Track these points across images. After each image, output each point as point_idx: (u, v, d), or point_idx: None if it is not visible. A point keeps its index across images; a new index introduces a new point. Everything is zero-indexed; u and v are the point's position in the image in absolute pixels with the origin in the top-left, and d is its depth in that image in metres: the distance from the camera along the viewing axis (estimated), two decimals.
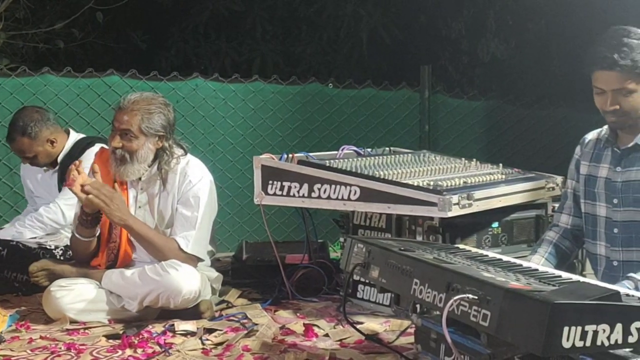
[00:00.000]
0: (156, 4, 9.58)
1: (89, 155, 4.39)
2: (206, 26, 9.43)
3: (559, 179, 4.33)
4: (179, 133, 5.03)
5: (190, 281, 3.81)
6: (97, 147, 4.43)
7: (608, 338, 2.11)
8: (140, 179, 3.99)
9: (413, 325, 3.09)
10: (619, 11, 7.40)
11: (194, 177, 4.00)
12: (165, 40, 9.56)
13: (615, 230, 3.24)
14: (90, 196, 3.76)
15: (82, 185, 3.77)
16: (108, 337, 3.60)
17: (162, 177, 3.98)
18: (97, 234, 3.97)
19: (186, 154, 4.08)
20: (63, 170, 4.61)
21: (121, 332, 3.65)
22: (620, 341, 2.13)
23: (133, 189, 4.02)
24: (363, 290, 4.20)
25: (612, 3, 7.75)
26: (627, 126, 3.22)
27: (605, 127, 3.34)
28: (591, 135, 3.46)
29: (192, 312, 3.87)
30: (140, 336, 3.58)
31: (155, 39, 9.57)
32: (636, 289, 2.83)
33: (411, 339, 3.19)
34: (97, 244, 4.00)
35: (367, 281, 4.03)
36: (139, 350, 3.41)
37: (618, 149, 3.26)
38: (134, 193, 4.01)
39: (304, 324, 3.78)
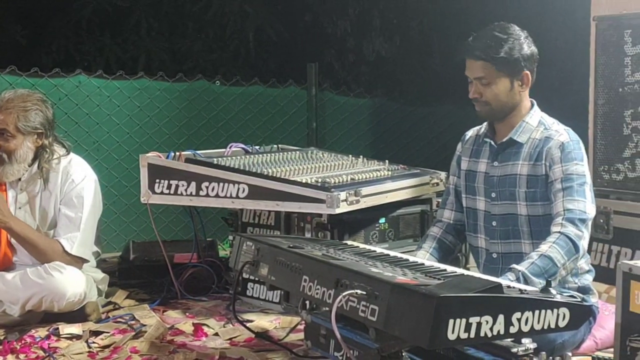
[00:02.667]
0: None
1: None
2: (89, 22, 9.21)
3: (443, 174, 4.44)
4: (62, 131, 4.91)
5: (75, 283, 3.73)
6: None
7: (491, 329, 2.18)
8: (20, 178, 3.87)
9: (303, 322, 3.11)
10: (499, 9, 7.64)
11: (77, 176, 3.92)
12: (47, 35, 9.28)
13: (494, 224, 3.34)
14: None
15: None
16: None
17: (43, 177, 3.87)
18: None
19: (68, 152, 3.98)
20: None
21: (2, 337, 3.54)
22: (502, 332, 2.20)
23: (12, 189, 3.90)
24: (253, 288, 4.20)
25: (491, 3, 7.99)
26: (495, 118, 3.33)
27: (485, 123, 3.44)
28: (471, 132, 3.57)
29: (77, 314, 3.79)
30: (23, 341, 3.49)
31: (36, 34, 9.27)
32: (518, 280, 2.92)
33: (301, 335, 3.21)
34: None
35: (256, 279, 4.03)
36: (22, 356, 3.31)
37: (495, 143, 3.36)
38: (13, 193, 3.89)
39: (193, 324, 3.76)
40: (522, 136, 3.28)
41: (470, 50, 3.24)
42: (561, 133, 3.25)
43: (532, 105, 3.34)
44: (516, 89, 3.25)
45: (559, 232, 3.08)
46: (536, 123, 3.30)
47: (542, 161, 3.22)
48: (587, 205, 3.14)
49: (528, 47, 3.24)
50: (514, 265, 3.00)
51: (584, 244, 3.11)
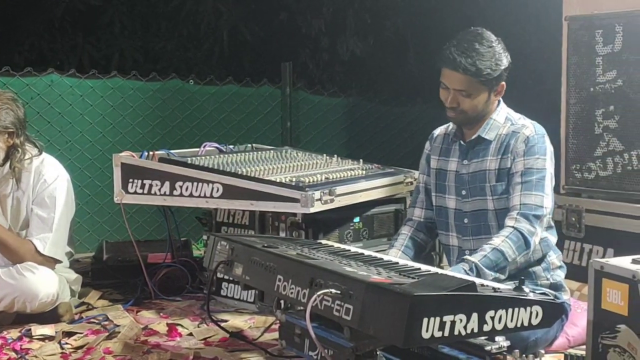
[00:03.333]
0: None
1: None
2: (62, 20, 9.14)
3: (417, 173, 4.44)
4: (34, 131, 4.87)
5: (48, 284, 3.71)
6: None
7: (465, 327, 2.19)
8: None
9: (277, 322, 3.11)
10: (473, 10, 7.68)
11: (49, 176, 3.89)
12: (19, 34, 9.20)
13: (466, 221, 3.37)
14: None
15: None
16: None
17: (15, 177, 3.84)
18: None
19: (40, 152, 3.95)
20: None
21: None
22: (476, 330, 2.22)
23: None
24: (227, 288, 4.20)
25: (464, 2, 8.03)
26: (468, 124, 3.36)
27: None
28: (439, 131, 3.58)
29: (50, 315, 3.76)
30: None
31: (7, 33, 9.19)
32: (471, 270, 2.99)
33: (276, 335, 3.21)
34: None
35: (231, 279, 4.02)
36: None
37: (464, 142, 3.38)
38: None
39: (167, 324, 3.75)
40: (490, 133, 3.32)
41: (452, 62, 3.21)
42: (527, 126, 3.29)
43: (499, 102, 3.37)
44: (492, 99, 3.30)
45: (513, 226, 3.13)
46: (503, 119, 3.34)
47: (508, 154, 3.26)
48: (544, 199, 3.18)
49: (506, 59, 3.26)
50: (467, 257, 3.06)
51: (535, 240, 3.16)
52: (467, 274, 2.94)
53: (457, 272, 2.91)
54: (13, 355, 3.33)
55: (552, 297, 2.53)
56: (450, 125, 3.50)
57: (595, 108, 4.15)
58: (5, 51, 8.93)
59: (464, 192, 3.36)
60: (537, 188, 3.18)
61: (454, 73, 3.23)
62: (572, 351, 3.13)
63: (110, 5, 9.11)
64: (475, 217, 3.34)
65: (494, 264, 3.05)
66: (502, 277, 3.07)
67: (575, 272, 3.84)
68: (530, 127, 3.28)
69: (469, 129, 3.38)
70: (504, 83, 3.29)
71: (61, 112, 5.75)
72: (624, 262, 2.57)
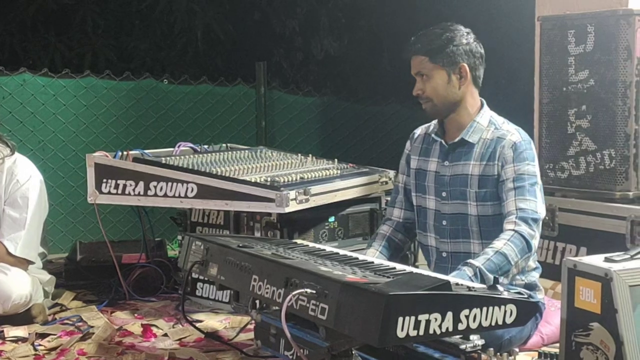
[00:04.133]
0: None
1: None
2: (34, 19, 9.07)
3: (392, 173, 4.47)
4: (5, 130, 4.82)
5: (20, 285, 3.68)
6: None
7: (440, 326, 2.20)
8: None
9: (253, 322, 3.11)
10: (447, 9, 7.71)
11: (22, 176, 3.86)
12: None
13: (444, 223, 3.35)
14: None
15: None
16: None
17: None
18: None
19: (13, 152, 3.92)
20: None
21: None
22: (451, 329, 2.23)
23: None
24: (202, 288, 4.19)
25: (439, 3, 8.07)
26: (440, 115, 3.34)
27: (434, 122, 3.46)
28: (420, 130, 3.57)
29: (23, 317, 3.74)
30: None
31: None
32: (475, 275, 2.94)
33: (251, 335, 3.21)
34: None
35: (206, 279, 4.01)
36: None
37: (446, 143, 3.37)
38: None
39: (142, 325, 3.73)
40: (473, 136, 3.30)
41: (410, 47, 3.29)
42: (512, 133, 3.27)
43: (482, 105, 3.36)
44: (455, 82, 3.26)
45: (513, 230, 3.10)
46: (486, 123, 3.32)
47: (494, 161, 3.24)
48: (537, 205, 3.18)
49: (466, 41, 3.26)
50: (471, 261, 3.01)
51: (535, 243, 3.14)
52: (471, 279, 2.90)
53: (461, 277, 2.86)
54: None
55: (526, 296, 2.54)
56: (432, 125, 3.48)
57: (568, 107, 4.18)
58: None
59: (443, 194, 3.34)
60: (530, 193, 3.17)
61: (412, 58, 3.28)
62: (546, 349, 3.15)
63: (83, 4, 9.05)
64: (453, 219, 3.33)
65: (497, 267, 3.00)
66: (506, 281, 3.06)
67: (549, 271, 3.86)
68: (516, 134, 3.27)
69: (448, 124, 3.35)
70: (465, 65, 3.25)
71: (34, 112, 5.71)
72: (597, 260, 2.60)
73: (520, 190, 3.17)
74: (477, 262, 2.99)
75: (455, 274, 2.94)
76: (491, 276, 2.93)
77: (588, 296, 2.55)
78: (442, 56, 3.23)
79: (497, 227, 3.23)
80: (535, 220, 3.14)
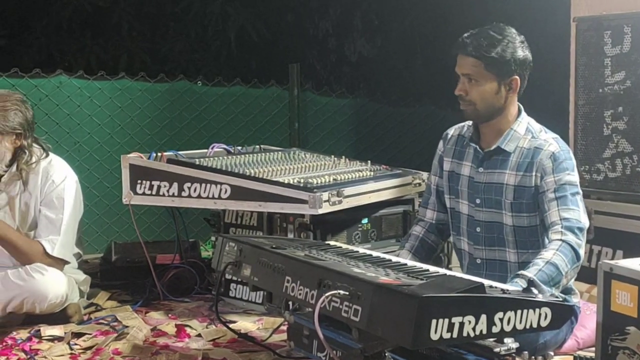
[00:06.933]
0: None
1: None
2: (70, 22, 9.17)
3: (425, 175, 4.45)
4: (42, 132, 4.88)
5: (57, 285, 3.71)
6: None
7: (473, 329, 2.19)
8: None
9: (286, 323, 3.11)
10: (480, 11, 7.67)
11: (57, 177, 3.90)
12: (27, 36, 9.24)
13: (478, 229, 3.30)
14: None
15: None
16: None
17: (22, 178, 3.85)
18: None
19: (48, 154, 3.95)
20: None
21: None
22: (484, 331, 2.21)
23: None
24: (235, 289, 4.20)
25: (472, 4, 8.02)
26: (479, 119, 3.26)
27: (468, 123, 3.39)
28: (453, 131, 3.49)
29: (59, 316, 3.77)
30: (4, 343, 3.47)
31: (16, 35, 9.23)
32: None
33: (284, 336, 3.21)
34: None
35: (239, 280, 4.02)
36: (3, 358, 3.29)
37: (481, 150, 3.30)
38: None
39: (176, 325, 3.75)
40: (510, 145, 3.23)
41: (462, 46, 3.17)
42: (550, 143, 3.20)
43: (520, 112, 3.28)
44: (503, 93, 3.18)
45: (561, 239, 3.03)
46: (524, 131, 3.25)
47: (532, 172, 3.17)
48: (581, 215, 3.11)
49: (522, 52, 3.17)
50: (523, 272, 2.92)
51: (582, 252, 3.07)
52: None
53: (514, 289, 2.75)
54: (22, 355, 3.34)
55: (561, 299, 2.51)
56: (465, 126, 3.42)
57: (604, 109, 4.13)
58: (14, 52, 8.97)
59: (477, 201, 3.29)
60: (573, 203, 3.11)
61: (462, 57, 3.18)
62: (582, 353, 3.12)
63: (118, 6, 9.14)
64: (488, 227, 3.27)
65: (549, 278, 2.93)
66: (557, 293, 2.97)
67: (585, 274, 3.81)
68: (554, 144, 3.20)
69: (484, 129, 3.28)
70: (517, 78, 3.17)
71: (69, 113, 5.77)
72: (634, 263, 2.56)
73: (562, 200, 3.11)
74: (529, 273, 2.90)
75: (508, 285, 2.81)
76: (545, 287, 2.85)
77: (624, 300, 2.52)
78: (498, 67, 3.14)
79: (533, 237, 3.20)
80: (581, 230, 3.08)
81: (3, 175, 3.84)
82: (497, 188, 3.24)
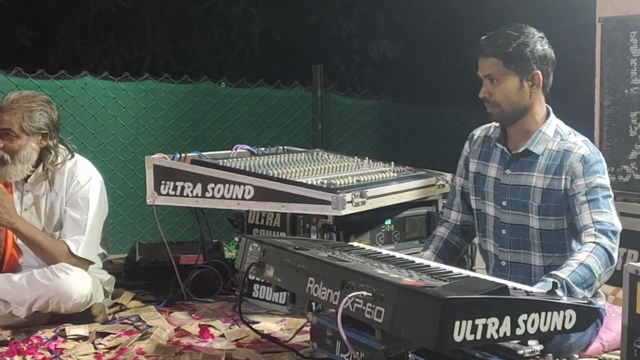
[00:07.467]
0: (41, 0, 9.33)
1: None
2: (94, 23, 9.24)
3: (449, 176, 4.43)
4: (67, 133, 4.91)
5: (82, 285, 3.73)
6: None
7: (497, 331, 2.18)
8: (26, 180, 3.88)
9: (309, 324, 3.11)
10: (504, 11, 7.64)
11: (82, 177, 3.92)
12: (52, 37, 9.32)
13: (504, 232, 3.29)
14: None
15: None
16: None
17: (48, 178, 3.88)
18: None
19: (73, 154, 3.98)
20: None
21: (9, 338, 3.54)
22: (508, 333, 2.21)
23: (18, 190, 3.91)
24: (259, 290, 4.20)
25: (495, 4, 7.99)
26: (507, 121, 3.23)
27: (494, 124, 3.37)
28: (479, 132, 3.47)
29: (83, 316, 3.79)
30: (30, 342, 3.49)
31: (42, 36, 9.31)
32: (562, 288, 2.80)
33: (307, 337, 3.22)
34: None
35: (262, 280, 4.03)
36: (29, 357, 3.32)
37: (509, 151, 3.28)
38: (19, 195, 3.90)
39: (200, 325, 3.76)
40: (538, 147, 3.20)
41: (481, 48, 3.17)
42: (580, 145, 3.17)
43: (549, 113, 3.26)
44: (526, 89, 3.15)
45: (594, 242, 3.00)
46: (552, 133, 3.22)
47: (561, 175, 3.15)
48: (613, 217, 3.08)
49: (541, 47, 3.15)
50: (556, 272, 2.89)
51: (616, 255, 3.04)
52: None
53: (546, 289, 2.70)
54: (48, 354, 3.36)
55: (586, 302, 2.50)
56: (492, 127, 3.39)
57: (630, 110, 4.10)
58: (40, 54, 9.05)
59: (504, 203, 3.27)
60: (605, 206, 3.08)
61: (482, 60, 3.17)
62: (607, 356, 3.10)
63: (142, 8, 9.19)
64: (514, 230, 3.25)
65: (582, 280, 2.90)
66: (589, 296, 2.93)
67: (610, 276, 3.79)
68: (584, 146, 3.17)
69: (512, 130, 3.25)
70: (539, 72, 3.14)
71: (94, 114, 5.81)
72: None
73: (594, 202, 3.07)
74: (562, 274, 2.88)
75: (540, 285, 2.82)
76: (578, 290, 2.84)
77: None
78: (517, 62, 3.12)
79: (560, 241, 3.18)
80: (615, 233, 3.05)
81: (30, 175, 3.88)
82: (525, 190, 3.21)
